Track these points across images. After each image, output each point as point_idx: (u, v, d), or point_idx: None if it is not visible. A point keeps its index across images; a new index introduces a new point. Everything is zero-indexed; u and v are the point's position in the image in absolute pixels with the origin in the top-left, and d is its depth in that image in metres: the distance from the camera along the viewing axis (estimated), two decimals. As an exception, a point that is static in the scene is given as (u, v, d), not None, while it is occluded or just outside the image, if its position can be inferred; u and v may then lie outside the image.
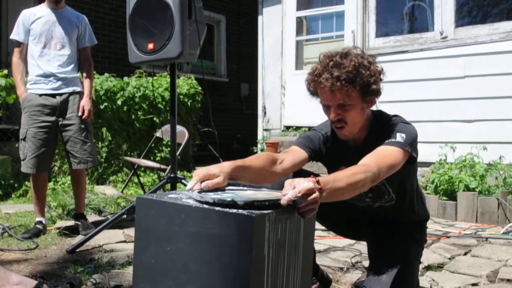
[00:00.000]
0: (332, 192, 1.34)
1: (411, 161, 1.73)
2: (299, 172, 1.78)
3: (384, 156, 1.63)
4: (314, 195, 1.24)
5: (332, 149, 1.89)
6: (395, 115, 1.84)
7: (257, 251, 1.15)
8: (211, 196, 1.23)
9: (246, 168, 1.52)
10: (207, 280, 1.18)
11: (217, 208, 1.19)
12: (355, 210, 2.01)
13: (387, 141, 1.69)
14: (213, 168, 1.40)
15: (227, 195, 1.28)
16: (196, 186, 1.35)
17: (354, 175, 1.45)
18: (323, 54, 1.74)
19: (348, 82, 1.63)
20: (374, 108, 1.84)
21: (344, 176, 1.42)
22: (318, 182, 1.28)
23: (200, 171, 1.38)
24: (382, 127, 1.78)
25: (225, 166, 1.43)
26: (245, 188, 1.48)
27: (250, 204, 1.20)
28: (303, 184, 1.23)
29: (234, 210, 1.17)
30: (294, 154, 1.81)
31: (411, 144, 1.70)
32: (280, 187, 1.61)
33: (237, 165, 1.47)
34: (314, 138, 1.91)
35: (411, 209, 1.95)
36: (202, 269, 1.19)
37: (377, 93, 1.73)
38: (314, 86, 1.74)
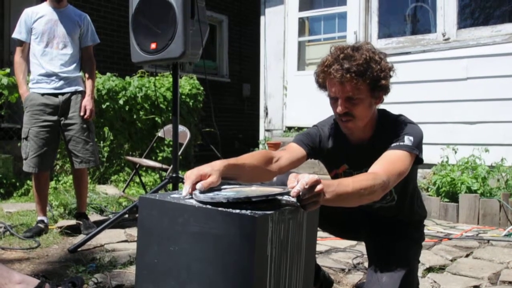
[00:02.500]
0: (335, 196, 1.32)
1: (417, 162, 1.73)
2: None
3: (393, 162, 1.61)
4: (319, 187, 1.23)
5: (334, 148, 1.87)
6: (400, 115, 1.83)
7: (260, 251, 1.15)
8: (224, 196, 1.21)
9: (238, 166, 1.48)
10: (209, 280, 1.18)
11: (220, 208, 1.18)
12: (354, 210, 2.00)
13: (395, 144, 1.68)
14: (204, 168, 1.36)
15: (230, 194, 1.27)
16: (191, 190, 1.31)
17: (361, 181, 1.43)
18: (334, 46, 1.72)
19: (358, 74, 1.61)
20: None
21: (351, 182, 1.41)
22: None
23: (191, 173, 1.33)
24: (389, 127, 1.76)
25: (217, 164, 1.39)
26: (239, 185, 1.46)
27: (265, 200, 1.20)
28: (308, 176, 1.23)
29: (237, 210, 1.16)
30: (291, 152, 1.79)
31: (418, 146, 1.69)
32: (280, 184, 1.60)
33: (228, 164, 1.43)
34: (315, 135, 1.88)
35: (411, 208, 1.95)
36: (205, 269, 1.19)
37: (386, 89, 1.71)
38: (323, 78, 1.72)
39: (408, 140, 1.68)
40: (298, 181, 1.22)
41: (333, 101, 1.72)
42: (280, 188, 1.32)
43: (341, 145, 1.85)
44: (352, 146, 1.84)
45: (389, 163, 1.60)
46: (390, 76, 1.71)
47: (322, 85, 1.77)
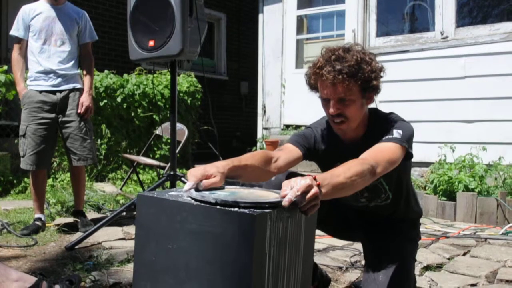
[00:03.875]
0: (332, 188, 1.33)
1: (407, 158, 1.74)
2: (294, 174, 1.76)
3: (381, 151, 1.63)
4: (313, 191, 1.23)
5: (327, 148, 1.89)
6: (391, 113, 1.85)
7: (258, 249, 1.15)
8: (213, 196, 1.22)
9: (241, 167, 1.52)
10: (208, 278, 1.18)
11: (219, 206, 1.19)
12: (349, 210, 2.00)
13: (384, 138, 1.70)
14: (209, 168, 1.39)
15: (224, 194, 1.27)
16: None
17: (351, 168, 1.44)
18: (325, 48, 1.74)
19: (350, 76, 1.63)
20: (372, 105, 1.84)
21: (342, 171, 1.42)
22: (315, 179, 1.28)
23: (197, 172, 1.36)
24: (380, 125, 1.78)
25: (222, 166, 1.43)
26: (238, 186, 1.48)
27: (253, 207, 1.20)
28: (300, 182, 1.23)
29: (236, 209, 1.16)
30: (288, 152, 1.80)
31: (407, 141, 1.71)
32: (277, 186, 1.60)
33: (233, 165, 1.47)
34: (309, 136, 1.89)
35: (406, 206, 1.95)
36: (203, 267, 1.19)
37: (377, 89, 1.73)
38: (315, 79, 1.73)
39: (396, 133, 1.70)
40: (291, 188, 1.22)
41: (325, 102, 1.74)
42: (276, 193, 1.32)
43: (334, 145, 1.87)
44: (345, 145, 1.85)
45: (377, 151, 1.63)
46: (381, 77, 1.73)
47: (313, 87, 1.79)
